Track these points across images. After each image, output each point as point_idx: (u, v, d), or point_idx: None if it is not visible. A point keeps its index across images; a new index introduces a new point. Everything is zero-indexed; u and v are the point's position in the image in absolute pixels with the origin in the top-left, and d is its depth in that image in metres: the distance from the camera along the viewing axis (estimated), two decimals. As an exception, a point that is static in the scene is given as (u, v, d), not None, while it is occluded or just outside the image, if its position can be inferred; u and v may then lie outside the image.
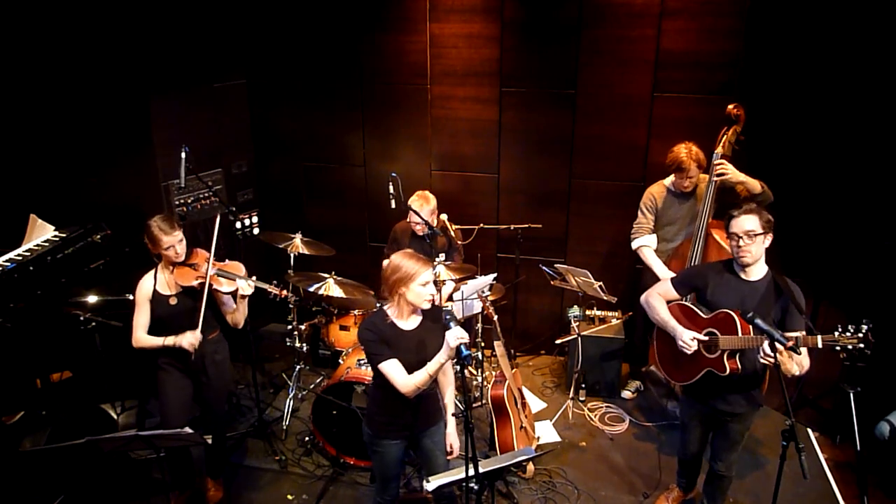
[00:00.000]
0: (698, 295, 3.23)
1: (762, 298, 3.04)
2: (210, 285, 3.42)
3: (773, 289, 3.05)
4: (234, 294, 3.53)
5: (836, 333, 2.83)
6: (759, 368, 3.10)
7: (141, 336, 3.43)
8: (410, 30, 4.89)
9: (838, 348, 2.82)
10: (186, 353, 3.43)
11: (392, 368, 2.84)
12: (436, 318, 2.97)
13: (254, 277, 3.54)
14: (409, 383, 2.82)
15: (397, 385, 2.83)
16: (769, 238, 3.01)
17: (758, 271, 3.07)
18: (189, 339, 3.38)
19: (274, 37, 5.17)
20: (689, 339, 3.10)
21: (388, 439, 3.02)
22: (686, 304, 3.25)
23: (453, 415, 3.09)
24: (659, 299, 3.30)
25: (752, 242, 2.97)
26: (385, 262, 4.50)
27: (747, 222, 2.97)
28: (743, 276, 3.08)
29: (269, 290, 3.60)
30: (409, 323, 2.93)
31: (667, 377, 3.52)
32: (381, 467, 3.11)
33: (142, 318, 3.44)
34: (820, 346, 2.86)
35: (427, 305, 2.87)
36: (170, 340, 3.39)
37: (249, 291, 3.47)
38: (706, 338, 3.10)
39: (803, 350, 2.90)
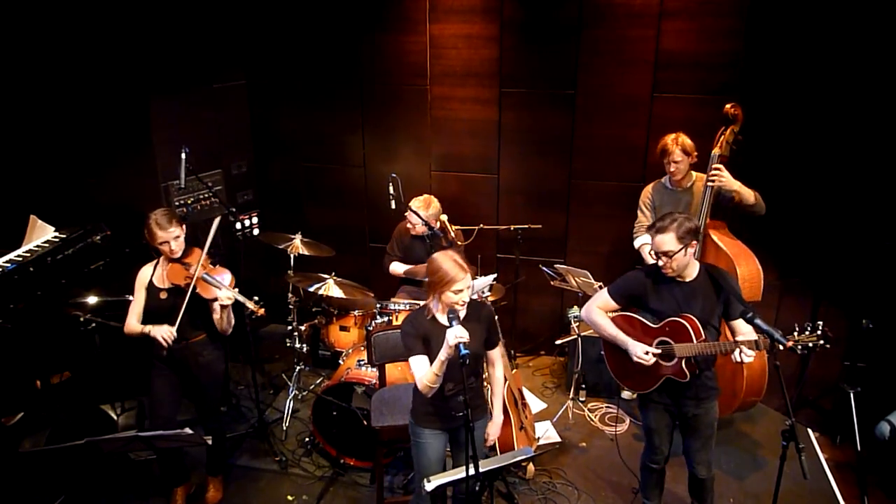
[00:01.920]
0: (638, 303, 3.21)
1: (705, 297, 3.07)
2: (195, 287, 3.42)
3: (710, 284, 3.09)
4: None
5: (796, 334, 2.88)
6: (710, 358, 3.14)
7: (131, 322, 3.47)
8: (410, 30, 4.89)
9: (800, 347, 2.86)
10: (170, 350, 3.46)
11: (417, 364, 2.90)
12: (478, 317, 3.02)
13: (236, 290, 3.48)
14: (422, 381, 2.86)
15: (416, 380, 2.89)
16: (692, 247, 3.02)
17: (691, 271, 3.10)
18: (162, 332, 3.37)
19: (274, 37, 5.18)
20: (643, 354, 3.08)
21: (429, 429, 3.05)
22: (631, 315, 3.22)
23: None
24: (601, 314, 3.24)
25: (671, 261, 3.00)
26: (391, 266, 4.55)
27: (663, 243, 2.99)
28: (678, 278, 3.09)
29: (248, 305, 3.53)
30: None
31: (624, 387, 3.46)
32: (420, 460, 3.12)
33: (136, 306, 3.48)
34: (782, 347, 2.85)
35: (459, 309, 2.89)
36: (147, 328, 3.41)
37: (227, 302, 3.42)
38: (659, 350, 3.10)
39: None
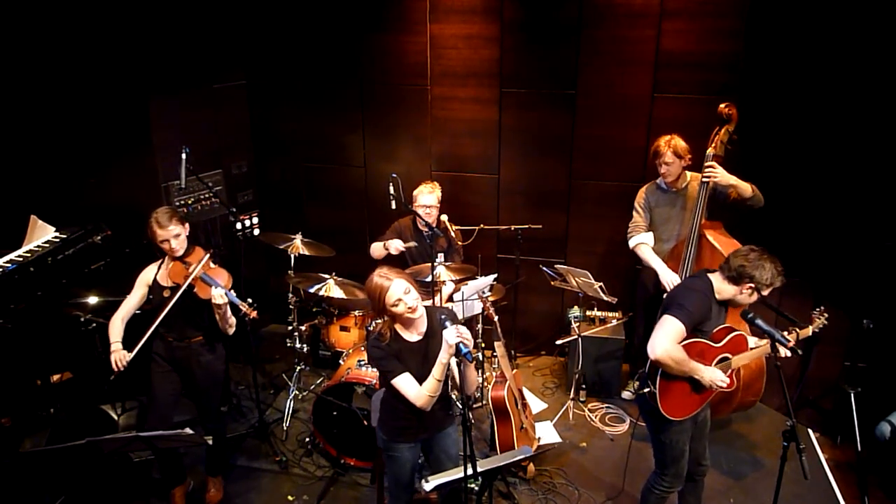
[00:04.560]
0: (697, 326, 3.04)
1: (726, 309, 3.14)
2: (192, 286, 3.43)
3: None
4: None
5: (816, 320, 3.33)
6: None
7: (114, 319, 3.49)
8: (410, 30, 4.89)
9: (818, 330, 3.34)
10: (171, 348, 3.51)
11: (405, 383, 2.84)
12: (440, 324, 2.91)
13: (232, 291, 3.46)
14: (422, 394, 2.82)
15: (411, 399, 2.83)
16: None
17: None
18: (118, 356, 3.38)
19: (274, 37, 5.18)
20: (722, 378, 2.98)
21: (401, 443, 3.02)
22: (696, 340, 3.02)
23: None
24: (680, 349, 2.94)
25: None
26: (372, 246, 4.54)
27: None
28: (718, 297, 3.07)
29: (240, 307, 3.48)
30: (414, 335, 2.92)
31: (670, 416, 3.09)
32: (394, 472, 3.10)
33: (128, 302, 3.52)
34: (810, 333, 3.31)
35: (415, 316, 2.81)
36: (114, 347, 3.41)
37: (220, 301, 3.36)
38: (728, 370, 3.04)
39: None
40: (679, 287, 3.20)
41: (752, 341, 3.16)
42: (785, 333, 3.04)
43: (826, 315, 3.36)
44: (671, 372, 2.98)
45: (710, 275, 3.07)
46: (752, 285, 2.93)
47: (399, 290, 2.77)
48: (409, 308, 2.78)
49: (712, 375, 2.98)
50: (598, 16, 4.55)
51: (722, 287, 3.02)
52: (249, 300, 3.56)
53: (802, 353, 3.03)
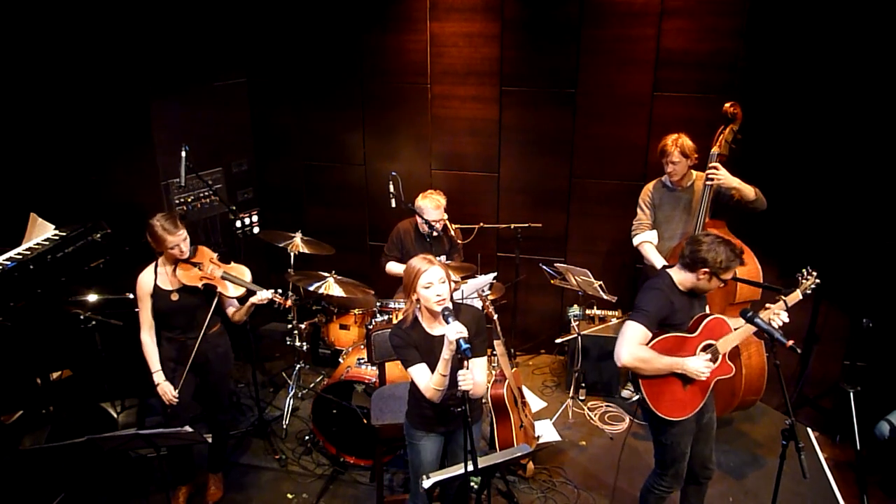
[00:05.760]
0: (663, 323, 3.02)
1: (695, 298, 3.13)
2: (216, 288, 3.45)
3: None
4: (239, 298, 3.55)
5: (803, 282, 3.23)
6: None
7: (145, 339, 3.48)
8: (411, 29, 4.89)
9: (809, 291, 3.24)
10: (186, 347, 3.50)
11: (418, 373, 2.87)
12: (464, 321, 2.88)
13: (272, 291, 3.54)
14: (429, 386, 2.84)
15: (421, 389, 2.86)
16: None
17: None
18: (168, 395, 3.45)
19: (274, 35, 5.18)
20: (705, 366, 2.97)
21: (422, 431, 3.04)
22: (667, 336, 3.02)
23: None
24: (646, 350, 2.95)
25: None
26: (388, 266, 4.56)
27: None
28: (680, 285, 3.08)
29: (275, 299, 3.56)
30: (437, 328, 2.92)
31: (671, 417, 3.06)
32: (414, 462, 3.12)
33: (146, 315, 3.47)
34: (800, 297, 3.23)
35: (438, 308, 2.82)
36: (156, 378, 3.46)
37: (265, 302, 3.47)
38: (710, 355, 3.02)
39: None
40: (640, 290, 3.18)
41: (734, 322, 3.10)
42: (773, 306, 3.09)
43: (815, 274, 3.24)
44: (644, 373, 2.98)
45: (668, 269, 3.10)
46: (707, 270, 2.92)
47: (434, 276, 2.80)
48: (438, 296, 2.79)
49: (695, 364, 2.96)
50: (599, 14, 4.55)
51: (682, 277, 3.03)
52: (280, 290, 3.61)
53: (802, 352, 3.02)
